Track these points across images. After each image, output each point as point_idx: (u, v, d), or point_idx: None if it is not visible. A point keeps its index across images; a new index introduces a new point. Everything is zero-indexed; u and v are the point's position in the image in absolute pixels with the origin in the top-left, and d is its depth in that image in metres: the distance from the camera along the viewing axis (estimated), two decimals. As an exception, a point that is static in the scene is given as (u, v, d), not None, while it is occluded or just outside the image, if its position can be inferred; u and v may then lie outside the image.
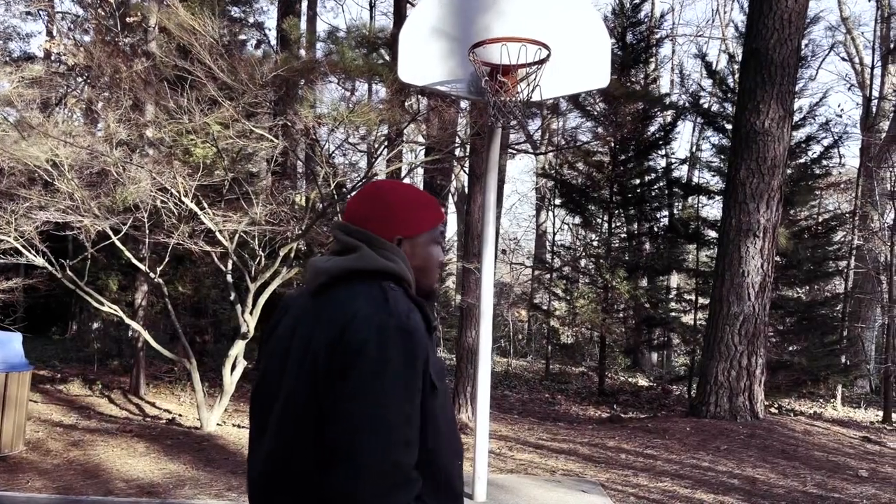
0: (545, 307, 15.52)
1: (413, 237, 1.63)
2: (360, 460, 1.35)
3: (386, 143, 6.90)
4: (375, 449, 1.34)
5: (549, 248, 18.12)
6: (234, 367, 7.55)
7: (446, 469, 1.50)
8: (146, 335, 7.18)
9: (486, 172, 5.16)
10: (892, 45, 15.54)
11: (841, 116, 24.48)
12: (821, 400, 12.33)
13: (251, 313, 7.00)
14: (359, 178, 6.55)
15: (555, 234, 18.10)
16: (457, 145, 10.63)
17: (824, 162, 12.33)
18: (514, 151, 16.82)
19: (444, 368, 1.57)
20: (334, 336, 1.43)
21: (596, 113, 12.39)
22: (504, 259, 23.78)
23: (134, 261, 6.96)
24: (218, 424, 7.66)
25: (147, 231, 7.05)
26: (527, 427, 8.85)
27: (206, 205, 7.16)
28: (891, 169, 14.41)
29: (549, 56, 4.02)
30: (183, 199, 6.11)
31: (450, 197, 21.62)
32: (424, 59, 4.37)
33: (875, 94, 15.43)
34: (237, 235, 7.11)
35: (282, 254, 6.71)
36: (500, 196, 18.88)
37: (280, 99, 8.16)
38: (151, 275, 6.99)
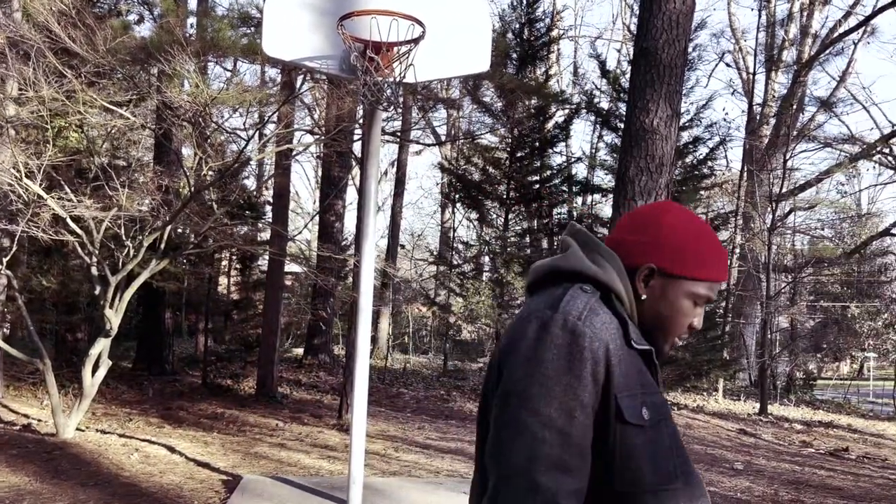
0: (444, 303, 15.38)
1: (671, 275, 1.33)
2: (498, 475, 1.19)
3: (260, 125, 6.49)
4: (513, 463, 1.17)
5: (450, 243, 18.03)
6: (97, 367, 6.92)
7: None
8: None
9: (367, 159, 4.87)
10: (774, 54, 16.35)
11: (727, 120, 25.71)
12: (704, 393, 12.79)
13: (113, 308, 6.42)
14: (234, 162, 6.11)
15: (454, 230, 18.02)
16: (354, 137, 10.27)
17: (710, 163, 12.77)
18: (415, 144, 16.58)
19: (664, 404, 1.30)
20: (503, 342, 1.29)
21: (494, 109, 12.33)
22: (406, 255, 23.56)
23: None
24: (78, 430, 7.01)
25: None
26: (417, 426, 8.64)
27: (69, 190, 6.52)
28: (771, 172, 15.14)
29: (423, 34, 3.78)
30: (25, 180, 5.48)
31: (353, 190, 21.17)
32: (292, 32, 4.03)
33: (758, 100, 16.19)
34: (104, 224, 6.51)
35: (146, 243, 6.17)
36: (401, 190, 18.62)
37: (158, 77, 7.59)
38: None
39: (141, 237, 6.36)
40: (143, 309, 11.73)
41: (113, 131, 6.34)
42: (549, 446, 1.16)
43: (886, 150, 14.82)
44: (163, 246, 6.70)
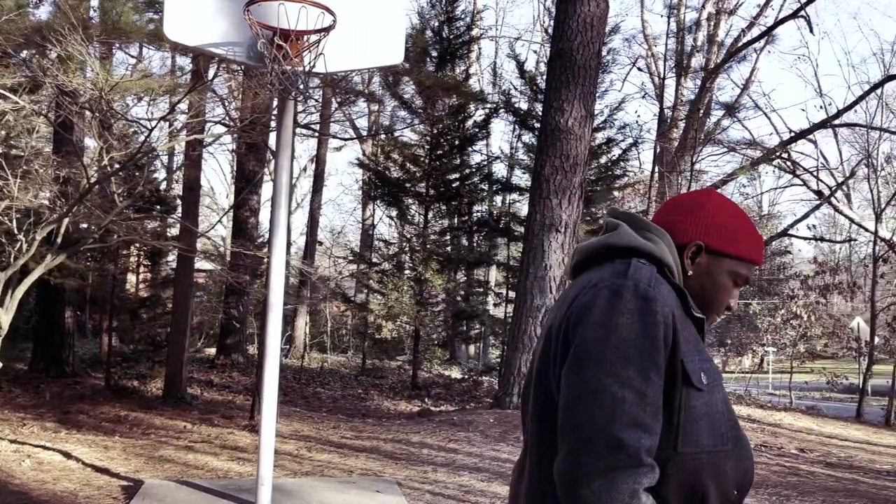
0: (362, 301, 15.23)
1: (716, 252, 1.42)
2: (577, 436, 1.21)
3: (167, 115, 6.22)
4: (595, 423, 1.20)
5: (370, 241, 17.88)
6: (-15, 369, 6.47)
7: (704, 490, 1.28)
8: None
9: (279, 150, 4.72)
10: (684, 60, 17.01)
11: (639, 123, 26.59)
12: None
13: (3, 306, 6.01)
14: (136, 152, 5.82)
15: (374, 226, 17.90)
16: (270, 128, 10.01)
17: (623, 164, 13.16)
18: (332, 138, 16.34)
19: (717, 371, 1.37)
20: (564, 311, 1.32)
21: (414, 105, 12.30)
22: (325, 252, 23.21)
23: None
24: (-37, 437, 6.54)
25: None
26: (332, 425, 8.50)
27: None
28: (680, 174, 15.74)
29: (334, 23, 3.70)
30: None
31: (270, 186, 20.71)
32: (197, 16, 3.87)
33: (668, 104, 16.80)
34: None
35: (39, 237, 5.81)
36: (319, 187, 18.33)
37: (56, 62, 7.16)
38: None
39: (34, 231, 5.98)
40: (40, 308, 11.08)
41: (5, 119, 5.93)
42: (629, 405, 1.20)
43: (785, 155, 15.65)
44: (59, 240, 6.32)
